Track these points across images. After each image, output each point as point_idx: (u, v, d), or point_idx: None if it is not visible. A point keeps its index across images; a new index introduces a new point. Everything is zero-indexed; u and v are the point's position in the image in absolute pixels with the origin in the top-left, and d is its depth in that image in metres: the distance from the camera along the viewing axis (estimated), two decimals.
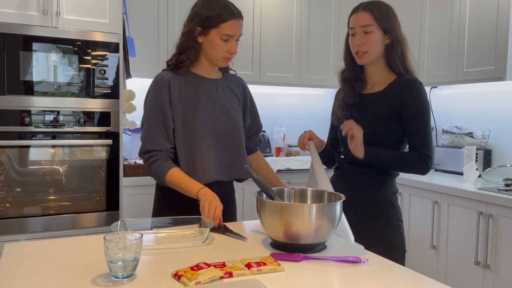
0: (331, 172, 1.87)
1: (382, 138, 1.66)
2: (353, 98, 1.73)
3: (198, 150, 1.61)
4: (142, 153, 1.63)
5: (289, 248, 1.28)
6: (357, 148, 1.61)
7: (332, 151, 1.89)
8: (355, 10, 1.70)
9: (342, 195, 1.37)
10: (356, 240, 1.50)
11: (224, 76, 1.76)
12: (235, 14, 1.61)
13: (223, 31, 1.59)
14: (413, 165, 1.65)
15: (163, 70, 1.69)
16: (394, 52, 1.66)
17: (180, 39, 1.67)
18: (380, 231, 1.68)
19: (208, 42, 1.61)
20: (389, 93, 1.67)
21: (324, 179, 1.60)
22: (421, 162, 1.63)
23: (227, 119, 1.68)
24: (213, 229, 1.46)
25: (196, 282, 1.03)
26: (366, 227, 1.66)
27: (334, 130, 1.88)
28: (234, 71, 1.82)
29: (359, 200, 1.68)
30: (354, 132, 1.59)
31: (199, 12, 1.60)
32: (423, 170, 1.65)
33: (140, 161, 2.90)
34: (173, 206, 1.63)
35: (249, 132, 1.82)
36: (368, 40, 1.64)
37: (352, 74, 1.76)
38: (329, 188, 1.57)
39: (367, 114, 1.69)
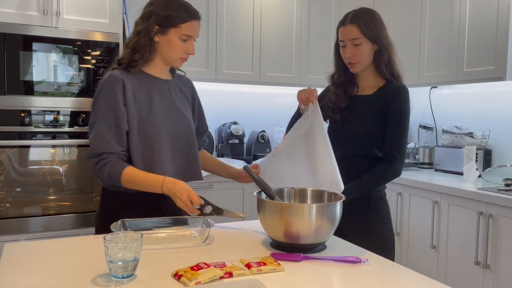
0: None
1: (371, 136, 1.75)
2: (345, 103, 1.81)
3: (155, 152, 1.55)
4: (91, 156, 1.52)
5: (289, 248, 1.28)
6: None
7: None
8: (343, 23, 1.76)
9: (342, 195, 1.37)
10: (349, 232, 1.57)
11: (174, 77, 1.71)
12: (195, 15, 1.58)
13: (183, 31, 1.56)
14: (384, 177, 1.73)
15: (113, 69, 1.61)
16: (381, 59, 1.74)
17: (134, 37, 1.59)
18: (371, 224, 1.75)
19: (166, 41, 1.57)
20: (378, 97, 1.76)
21: (330, 151, 1.54)
22: (390, 166, 1.70)
23: (182, 121, 1.64)
24: (207, 214, 1.47)
25: (196, 282, 1.03)
26: (358, 219, 1.72)
27: None
28: (184, 72, 1.77)
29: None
30: None
31: (157, 11, 1.56)
32: (395, 174, 1.72)
33: None
34: (126, 213, 1.49)
35: (196, 133, 1.75)
36: (358, 52, 1.72)
37: (345, 78, 1.84)
38: (334, 163, 1.53)
39: (357, 115, 1.78)
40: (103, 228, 1.44)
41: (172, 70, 1.73)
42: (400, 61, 1.83)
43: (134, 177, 1.48)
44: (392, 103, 1.72)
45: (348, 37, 1.73)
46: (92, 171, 2.64)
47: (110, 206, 1.60)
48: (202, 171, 1.74)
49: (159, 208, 1.58)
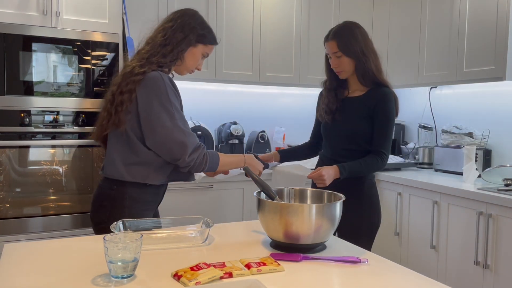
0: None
1: (359, 134, 1.98)
2: (336, 105, 2.06)
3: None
4: (193, 151, 1.58)
5: (289, 248, 1.28)
6: (332, 178, 1.87)
7: (316, 142, 2.25)
8: (326, 39, 2.03)
9: (342, 195, 1.37)
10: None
11: None
12: (216, 40, 1.80)
13: (207, 51, 1.76)
14: (374, 166, 1.94)
15: (160, 71, 1.62)
16: (361, 69, 1.97)
17: (175, 44, 1.67)
18: (362, 205, 1.98)
19: (191, 53, 1.72)
20: (367, 98, 2.00)
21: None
22: (380, 159, 1.94)
23: None
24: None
25: (196, 282, 1.03)
26: (351, 202, 1.70)
27: (318, 124, 2.23)
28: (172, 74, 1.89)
29: (344, 182, 1.88)
30: (325, 182, 1.82)
31: (195, 25, 1.71)
32: (382, 166, 1.96)
33: None
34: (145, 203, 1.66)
35: None
36: (340, 63, 1.99)
37: (336, 83, 2.09)
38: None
39: (348, 116, 2.02)
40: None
41: None
42: (381, 67, 2.02)
43: (226, 158, 1.71)
44: (379, 107, 1.95)
45: (330, 51, 2.00)
46: (92, 171, 2.64)
47: (135, 201, 1.64)
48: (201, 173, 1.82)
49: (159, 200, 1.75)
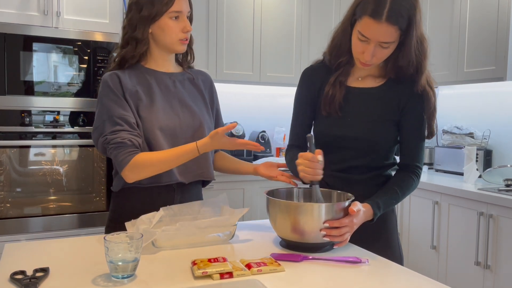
0: None
1: (377, 143, 1.43)
2: (342, 95, 1.43)
3: (152, 148, 1.45)
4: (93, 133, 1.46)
5: (300, 247, 1.29)
6: (362, 221, 1.34)
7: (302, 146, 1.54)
8: (377, 16, 1.26)
9: (351, 194, 1.35)
10: (356, 239, 1.41)
11: (183, 71, 1.62)
12: None
13: (171, 10, 1.43)
14: (412, 190, 1.49)
15: (109, 70, 1.52)
16: (404, 58, 1.36)
17: (122, 34, 1.53)
18: (381, 237, 1.52)
19: (158, 28, 1.46)
20: (391, 89, 1.42)
21: None
22: (416, 179, 1.45)
23: (187, 115, 1.53)
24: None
25: (203, 272, 1.07)
26: (366, 232, 1.41)
27: (306, 118, 1.60)
28: (197, 68, 1.69)
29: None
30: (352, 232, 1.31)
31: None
32: (416, 187, 1.49)
33: None
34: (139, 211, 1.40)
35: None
36: (382, 54, 1.34)
37: (343, 62, 1.45)
38: None
39: (359, 115, 1.42)
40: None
41: (186, 66, 1.63)
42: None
43: (157, 154, 1.40)
44: (414, 103, 1.39)
45: (377, 38, 1.29)
46: (93, 171, 2.64)
47: (121, 207, 1.52)
48: (215, 172, 1.65)
49: (172, 199, 1.52)
